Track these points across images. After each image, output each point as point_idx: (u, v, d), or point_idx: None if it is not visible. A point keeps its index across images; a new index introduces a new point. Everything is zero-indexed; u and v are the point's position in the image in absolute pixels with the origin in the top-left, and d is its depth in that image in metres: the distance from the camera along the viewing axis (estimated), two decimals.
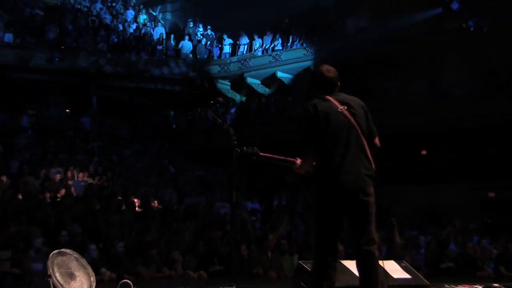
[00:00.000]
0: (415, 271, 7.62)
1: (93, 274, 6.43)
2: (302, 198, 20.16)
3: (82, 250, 8.66)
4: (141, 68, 25.55)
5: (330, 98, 5.01)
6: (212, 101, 7.49)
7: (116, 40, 26.20)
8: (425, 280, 7.50)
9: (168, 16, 31.43)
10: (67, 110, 26.85)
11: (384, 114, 17.73)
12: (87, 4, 28.25)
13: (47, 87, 25.33)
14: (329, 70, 5.14)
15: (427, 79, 20.76)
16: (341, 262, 7.28)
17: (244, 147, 5.50)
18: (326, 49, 23.01)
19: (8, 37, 23.73)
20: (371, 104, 5.42)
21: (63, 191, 16.77)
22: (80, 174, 19.00)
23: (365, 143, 4.93)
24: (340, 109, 4.96)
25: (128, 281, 6.29)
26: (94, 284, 6.30)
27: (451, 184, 18.80)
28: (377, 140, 5.05)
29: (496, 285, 7.77)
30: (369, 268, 4.80)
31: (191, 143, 24.87)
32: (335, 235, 4.98)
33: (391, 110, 19.39)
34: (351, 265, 6.82)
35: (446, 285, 7.74)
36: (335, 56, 22.33)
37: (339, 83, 5.15)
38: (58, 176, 18.38)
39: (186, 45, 27.20)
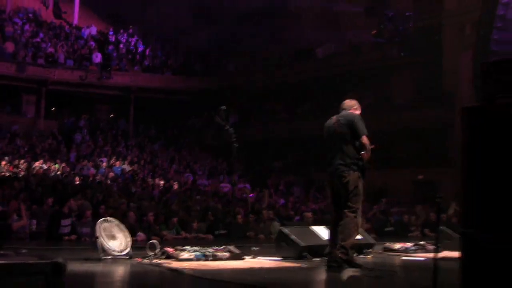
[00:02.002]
0: (366, 233, 7.66)
1: (130, 236, 6.45)
2: (284, 180, 20.22)
3: (122, 218, 8.67)
4: (166, 84, 25.57)
5: (334, 117, 5.48)
6: (218, 108, 7.53)
7: (147, 63, 26.22)
8: (373, 240, 7.56)
9: None
10: (111, 115, 26.87)
11: None
12: (126, 37, 28.18)
13: (97, 98, 25.42)
14: (346, 100, 5.58)
15: (377, 91, 20.96)
16: (310, 227, 7.29)
17: None
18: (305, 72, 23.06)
19: (70, 62, 23.81)
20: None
21: (108, 175, 16.79)
22: (118, 162, 19.00)
23: (343, 143, 5.27)
24: (333, 122, 5.42)
25: (155, 241, 6.30)
26: (130, 243, 6.32)
27: (396, 169, 18.85)
28: (363, 139, 5.25)
29: (422, 242, 7.83)
30: (343, 223, 5.21)
31: (203, 139, 24.88)
32: (337, 206, 5.37)
33: None
34: (319, 229, 6.84)
35: (387, 243, 7.79)
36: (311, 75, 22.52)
37: (354, 107, 5.48)
38: (104, 164, 18.39)
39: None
